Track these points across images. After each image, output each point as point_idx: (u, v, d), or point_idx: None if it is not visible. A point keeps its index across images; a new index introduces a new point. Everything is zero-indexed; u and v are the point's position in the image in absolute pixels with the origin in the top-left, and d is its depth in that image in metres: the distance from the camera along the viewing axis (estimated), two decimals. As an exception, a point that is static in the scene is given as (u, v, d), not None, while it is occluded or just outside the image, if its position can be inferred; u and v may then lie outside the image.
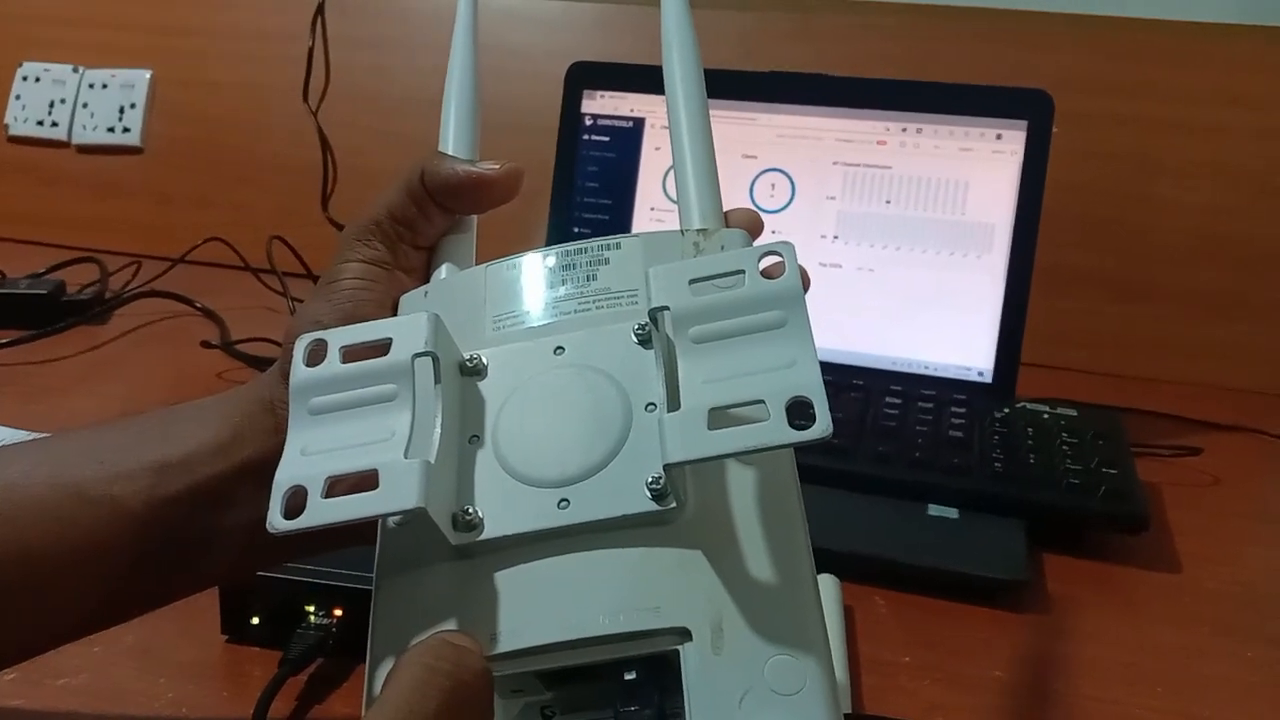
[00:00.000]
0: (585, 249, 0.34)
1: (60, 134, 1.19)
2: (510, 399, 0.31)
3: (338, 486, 0.27)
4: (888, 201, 0.76)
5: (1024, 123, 0.73)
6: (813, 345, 0.27)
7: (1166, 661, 0.51)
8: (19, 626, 0.36)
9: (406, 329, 0.30)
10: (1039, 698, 0.47)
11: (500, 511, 0.28)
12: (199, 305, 0.93)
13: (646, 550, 0.27)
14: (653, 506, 0.27)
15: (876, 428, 0.66)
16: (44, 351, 0.84)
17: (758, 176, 0.78)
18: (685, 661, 0.25)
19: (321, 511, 0.27)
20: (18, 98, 1.20)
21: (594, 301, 0.33)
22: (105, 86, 1.18)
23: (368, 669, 0.28)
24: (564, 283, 0.33)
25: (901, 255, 0.76)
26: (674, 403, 0.28)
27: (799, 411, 0.25)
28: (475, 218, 0.40)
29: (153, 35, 1.17)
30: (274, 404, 0.36)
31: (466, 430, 0.30)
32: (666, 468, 0.27)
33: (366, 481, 0.27)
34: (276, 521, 0.27)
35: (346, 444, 0.28)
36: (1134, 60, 0.93)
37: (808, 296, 0.29)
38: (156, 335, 0.91)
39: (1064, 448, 0.65)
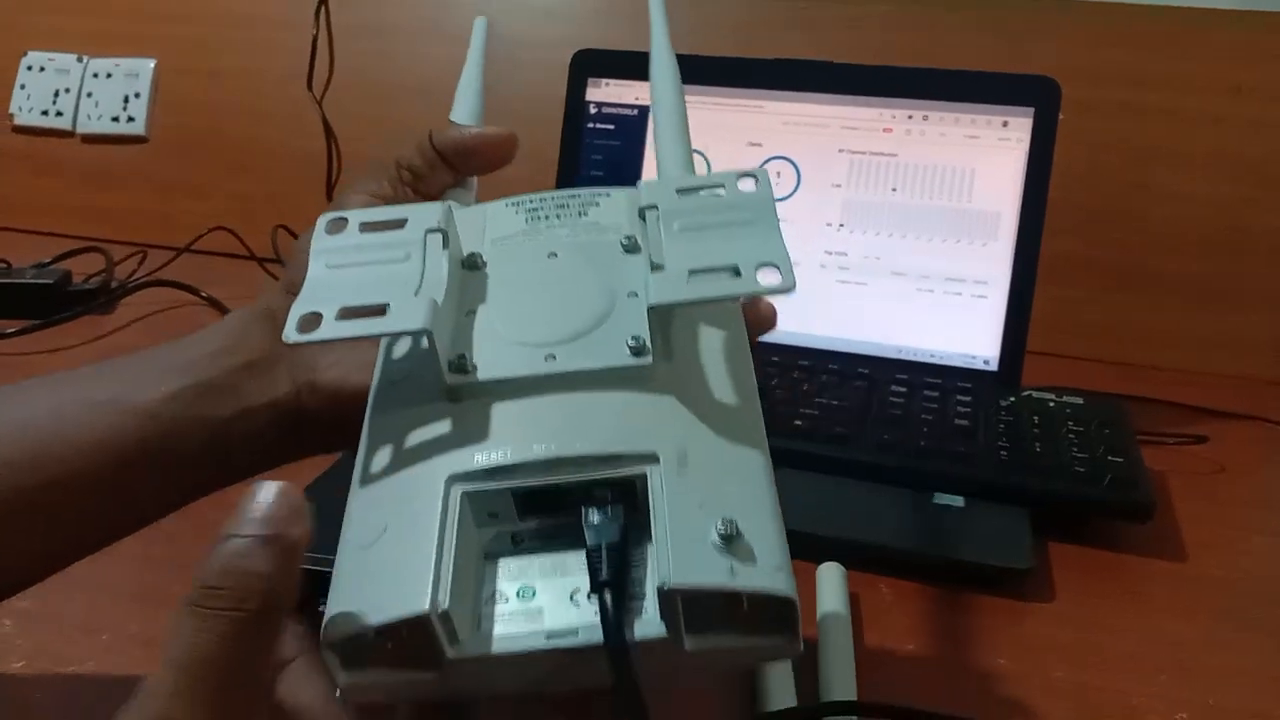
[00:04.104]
0: (578, 194, 0.37)
1: (65, 123, 1.19)
2: (506, 282, 0.34)
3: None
4: (893, 189, 0.76)
5: (1030, 110, 0.73)
6: (781, 236, 0.31)
7: (1171, 650, 0.51)
8: (38, 536, 0.38)
9: (422, 211, 0.34)
10: (1043, 686, 0.47)
11: (492, 360, 0.31)
12: (204, 295, 0.94)
13: (623, 394, 0.30)
14: (631, 360, 0.30)
15: (882, 416, 0.66)
16: (50, 341, 0.84)
17: (763, 164, 0.78)
18: (652, 479, 0.28)
19: (334, 329, 0.29)
20: (22, 87, 1.20)
21: (584, 231, 0.35)
22: (110, 76, 1.18)
23: (351, 492, 0.29)
24: (558, 217, 0.36)
25: (907, 243, 0.76)
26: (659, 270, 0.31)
27: (768, 274, 0.29)
28: (476, 181, 0.43)
29: (157, 24, 1.17)
30: (274, 313, 0.40)
31: (464, 307, 0.33)
32: (651, 309, 0.30)
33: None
34: (290, 334, 0.29)
35: (360, 285, 0.31)
36: (1137, 48, 0.92)
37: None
38: (162, 325, 0.91)
39: (1069, 436, 0.65)
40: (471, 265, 0.34)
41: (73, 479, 0.37)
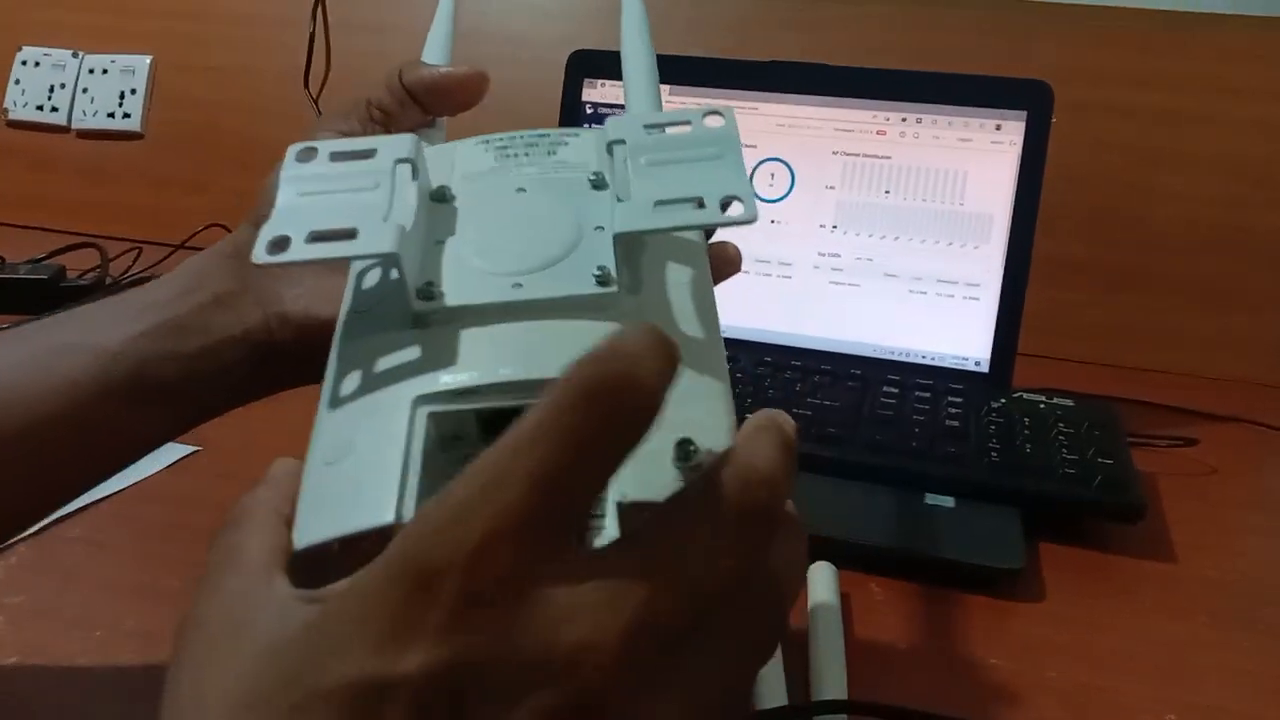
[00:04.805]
0: (548, 134, 0.38)
1: (60, 119, 1.19)
2: (474, 215, 0.34)
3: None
4: (887, 191, 0.76)
5: (1023, 113, 0.73)
6: (745, 170, 0.32)
7: (1161, 650, 0.51)
8: (17, 481, 0.38)
9: (391, 143, 0.34)
10: (1034, 686, 0.48)
11: (459, 288, 0.31)
12: (199, 291, 0.93)
13: (589, 322, 0.30)
14: (597, 289, 0.31)
15: (873, 417, 0.66)
16: (44, 337, 0.84)
17: (757, 166, 0.78)
18: None
19: (303, 250, 0.29)
20: (17, 82, 1.20)
21: (553, 169, 0.36)
22: (105, 72, 1.18)
23: (318, 415, 0.29)
24: (528, 155, 0.37)
25: (900, 245, 0.76)
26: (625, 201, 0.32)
27: (732, 207, 0.30)
28: (445, 125, 0.44)
29: (153, 20, 1.17)
30: (240, 248, 0.41)
31: (432, 237, 0.33)
32: (616, 238, 0.31)
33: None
34: (260, 255, 0.29)
35: (330, 211, 0.31)
36: (1132, 50, 0.93)
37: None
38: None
39: (1060, 438, 0.65)
40: (440, 198, 0.35)
41: (44, 423, 0.37)
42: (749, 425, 0.26)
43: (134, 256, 1.01)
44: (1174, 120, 0.92)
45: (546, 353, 0.29)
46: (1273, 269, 0.91)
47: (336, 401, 0.30)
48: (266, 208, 0.35)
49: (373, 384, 0.30)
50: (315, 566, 0.26)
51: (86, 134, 1.18)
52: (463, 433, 0.29)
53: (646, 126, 0.34)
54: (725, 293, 0.36)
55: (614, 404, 0.22)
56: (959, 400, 0.68)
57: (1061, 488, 0.60)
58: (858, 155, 0.77)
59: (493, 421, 0.29)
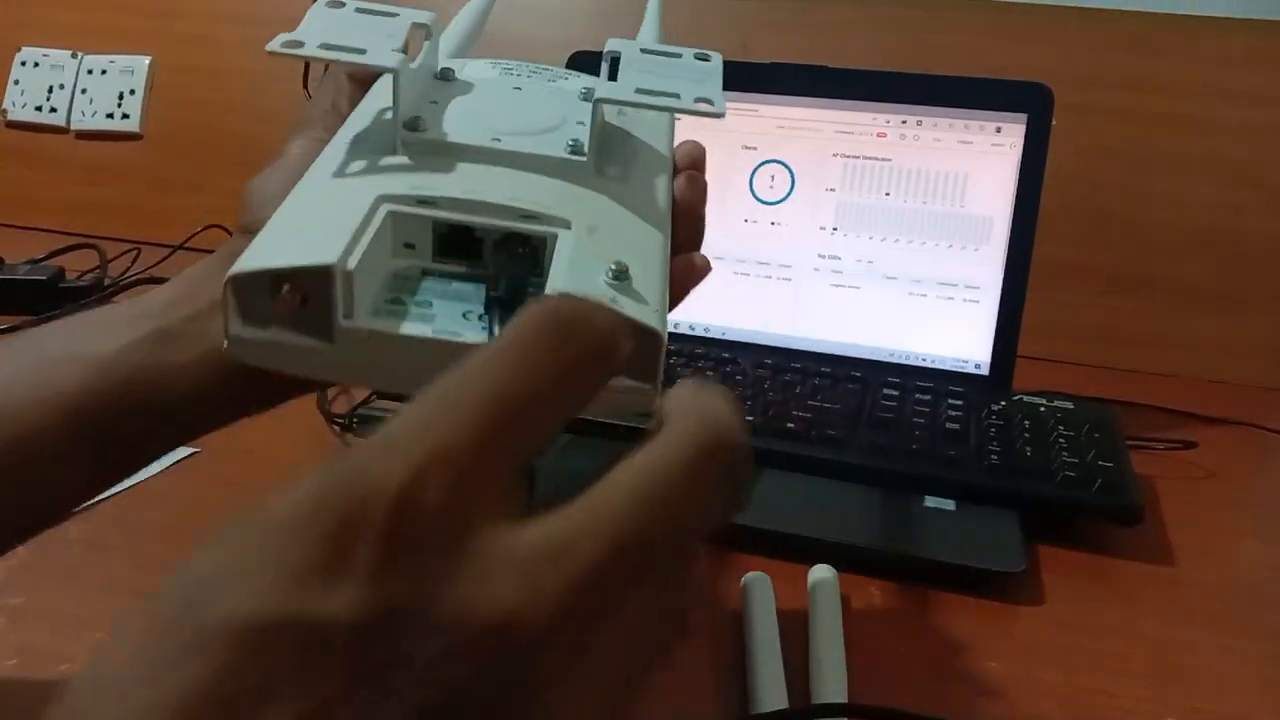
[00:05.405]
0: (551, 68, 0.42)
1: (59, 119, 1.19)
2: (470, 92, 0.38)
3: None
4: (887, 193, 0.76)
5: (1023, 116, 0.73)
6: (720, 88, 0.37)
7: (1159, 653, 0.51)
8: (7, 497, 0.37)
9: (413, 13, 0.37)
10: (1032, 688, 0.48)
11: (443, 129, 0.35)
12: (198, 292, 0.93)
13: (555, 179, 0.34)
14: (568, 155, 0.35)
15: (873, 419, 0.66)
16: (43, 337, 0.84)
17: (758, 168, 0.78)
18: (561, 240, 0.31)
19: (314, 51, 0.34)
20: (16, 83, 1.19)
21: (551, 86, 0.40)
22: (104, 72, 1.18)
23: (288, 197, 0.32)
24: (530, 79, 0.41)
25: (900, 247, 0.76)
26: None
27: (703, 104, 0.35)
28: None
29: (153, 20, 1.17)
30: (235, 254, 0.42)
31: (428, 97, 0.37)
32: (595, 101, 0.35)
33: None
34: (275, 44, 0.33)
35: (346, 35, 0.35)
36: (1132, 54, 0.93)
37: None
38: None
39: (1060, 440, 0.65)
40: (443, 77, 0.39)
41: (35, 435, 0.36)
42: (691, 385, 0.23)
43: (133, 257, 1.01)
44: (1174, 123, 0.92)
45: (510, 187, 0.32)
46: (1271, 272, 0.91)
47: (307, 189, 0.32)
48: (254, 212, 0.35)
49: (344, 177, 0.33)
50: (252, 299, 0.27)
51: (85, 134, 1.18)
52: (416, 241, 0.31)
53: (643, 50, 0.38)
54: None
55: (585, 336, 0.21)
56: (959, 403, 0.68)
57: (1061, 490, 0.60)
58: (858, 157, 0.77)
59: (447, 236, 0.31)
